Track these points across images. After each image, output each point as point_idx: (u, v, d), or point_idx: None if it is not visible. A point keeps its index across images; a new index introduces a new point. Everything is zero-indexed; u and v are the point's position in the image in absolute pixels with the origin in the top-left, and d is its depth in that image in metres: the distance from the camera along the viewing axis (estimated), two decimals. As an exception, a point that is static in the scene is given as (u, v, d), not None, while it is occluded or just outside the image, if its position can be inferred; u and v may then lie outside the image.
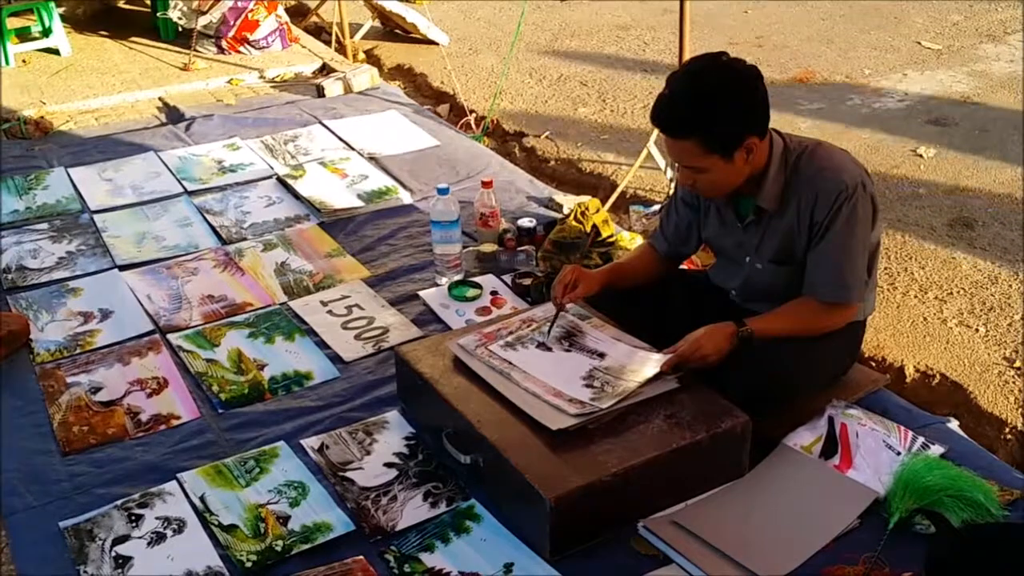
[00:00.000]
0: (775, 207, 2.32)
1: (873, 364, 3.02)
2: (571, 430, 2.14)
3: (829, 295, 2.31)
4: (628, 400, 2.21)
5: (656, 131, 4.02)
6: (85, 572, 2.08)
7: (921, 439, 2.31)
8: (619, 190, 4.00)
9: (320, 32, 6.47)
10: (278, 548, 2.12)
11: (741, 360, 2.28)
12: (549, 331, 2.45)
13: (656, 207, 3.89)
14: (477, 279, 3.17)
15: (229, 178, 4.05)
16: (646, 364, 2.31)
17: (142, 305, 3.11)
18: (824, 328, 2.34)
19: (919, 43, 6.06)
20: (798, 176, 2.29)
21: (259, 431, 2.53)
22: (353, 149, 4.31)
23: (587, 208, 3.34)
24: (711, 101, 2.17)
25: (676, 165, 2.37)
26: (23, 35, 5.85)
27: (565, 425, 2.14)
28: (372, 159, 4.20)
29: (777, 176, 2.30)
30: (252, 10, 5.69)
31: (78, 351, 2.89)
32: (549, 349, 2.41)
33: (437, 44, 6.32)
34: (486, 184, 3.35)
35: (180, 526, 2.20)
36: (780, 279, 2.38)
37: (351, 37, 6.09)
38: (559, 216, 3.49)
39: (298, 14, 6.78)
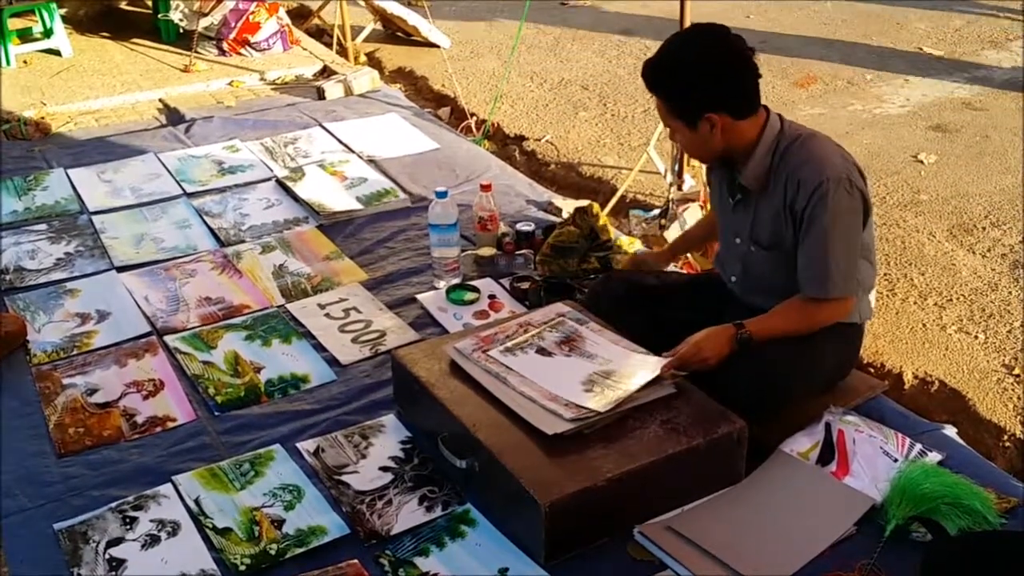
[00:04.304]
0: (756, 189, 2.34)
1: (872, 370, 3.02)
2: (567, 435, 2.13)
3: (811, 289, 2.30)
4: (625, 405, 2.21)
5: (655, 136, 4.04)
6: (79, 574, 2.08)
7: (919, 446, 2.30)
8: (618, 194, 4.00)
9: (321, 34, 6.47)
10: (272, 552, 2.11)
11: (739, 364, 2.27)
12: None
13: (655, 212, 3.89)
14: (475, 283, 3.17)
15: (228, 180, 4.05)
16: (645, 368, 2.30)
17: (139, 307, 3.11)
18: (816, 323, 2.33)
19: (921, 49, 6.06)
20: (785, 163, 2.30)
21: (255, 434, 2.52)
22: (353, 152, 4.30)
23: (586, 212, 3.33)
24: (678, 67, 2.28)
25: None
26: (24, 36, 5.86)
27: (561, 430, 2.13)
28: (372, 162, 4.20)
29: (763, 158, 2.31)
30: (253, 12, 5.69)
31: (75, 352, 2.88)
32: (550, 354, 2.39)
33: (438, 47, 6.32)
34: (485, 187, 3.34)
35: (174, 529, 2.20)
36: (773, 267, 2.38)
37: (352, 40, 6.09)
38: (558, 220, 3.49)
39: (299, 16, 6.78)
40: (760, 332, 2.30)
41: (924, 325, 3.26)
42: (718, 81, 2.25)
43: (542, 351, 2.40)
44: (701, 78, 2.25)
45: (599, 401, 2.20)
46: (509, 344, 2.44)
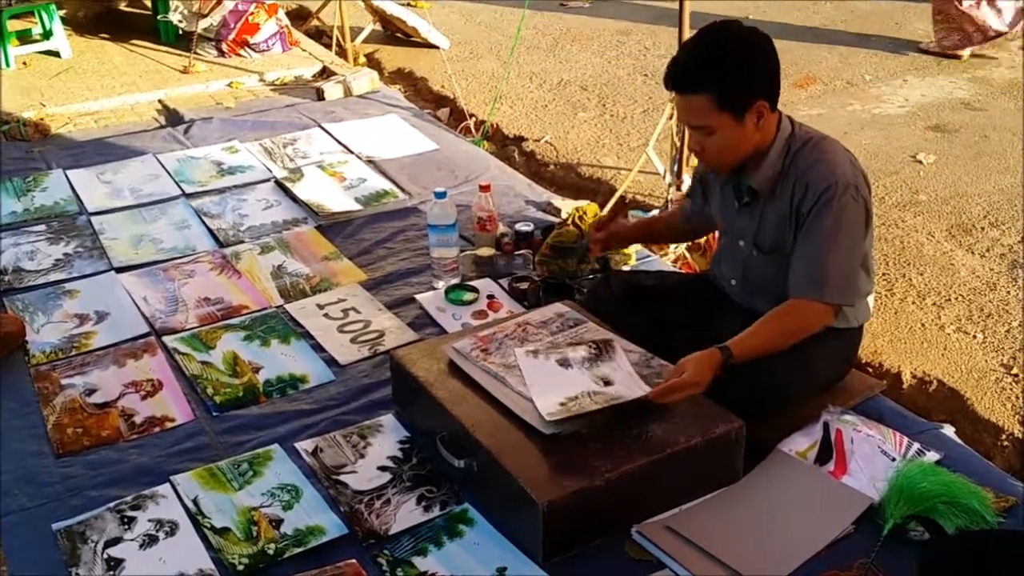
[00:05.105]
0: (767, 192, 2.32)
1: (870, 370, 3.02)
2: (564, 435, 2.13)
3: (804, 291, 2.26)
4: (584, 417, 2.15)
5: (654, 136, 4.04)
6: (77, 574, 2.08)
7: (916, 445, 2.29)
8: (617, 195, 4.00)
9: (321, 35, 6.48)
10: (270, 551, 2.11)
11: (737, 367, 2.26)
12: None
13: (654, 212, 3.89)
14: (474, 283, 3.17)
15: (227, 181, 4.05)
16: (632, 392, 2.22)
17: (138, 307, 3.11)
18: (802, 330, 2.26)
19: (920, 49, 6.06)
20: (795, 166, 2.28)
21: (253, 434, 2.52)
22: (352, 152, 4.31)
23: (585, 213, 3.34)
24: (725, 55, 2.19)
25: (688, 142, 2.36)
26: (24, 37, 5.86)
27: (559, 430, 2.13)
28: (371, 162, 4.20)
29: (775, 160, 2.29)
30: (253, 13, 5.69)
31: (73, 353, 2.88)
32: (569, 366, 2.33)
33: (438, 48, 6.32)
34: (484, 188, 3.35)
35: (172, 528, 2.20)
36: (775, 271, 2.36)
37: (352, 40, 6.09)
38: (557, 220, 3.49)
39: (299, 17, 6.79)
40: (746, 353, 2.21)
41: (923, 325, 3.26)
42: (767, 63, 2.23)
43: (564, 362, 2.33)
44: (753, 61, 2.21)
45: (561, 417, 2.13)
46: (538, 346, 2.40)
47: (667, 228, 2.90)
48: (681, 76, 2.23)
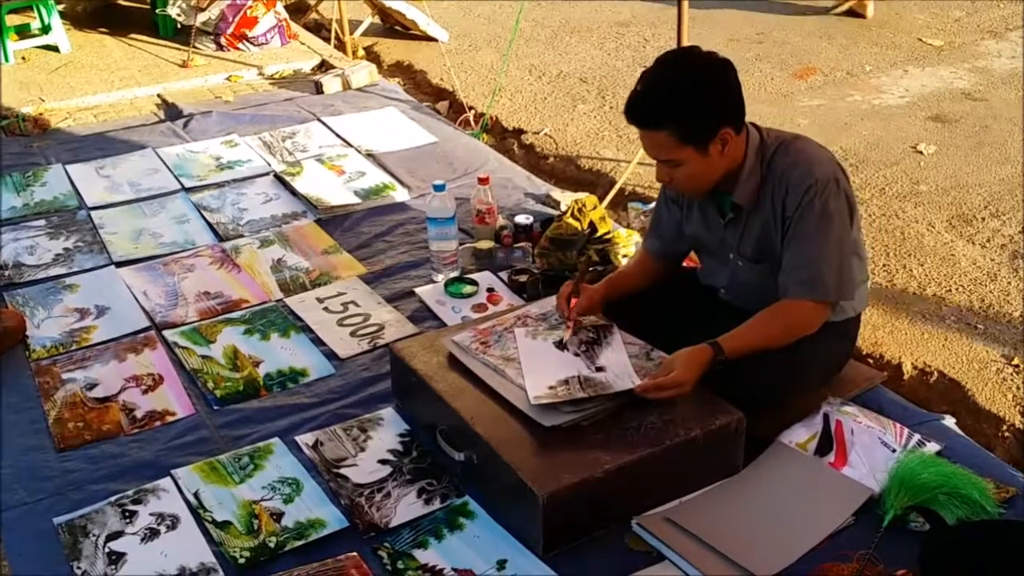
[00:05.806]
0: (751, 204, 2.31)
1: (871, 361, 3.02)
2: (564, 427, 2.13)
3: (799, 291, 2.25)
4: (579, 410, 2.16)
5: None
6: (78, 568, 2.08)
7: (917, 436, 2.29)
8: (617, 187, 3.99)
9: (319, 29, 6.46)
10: (271, 544, 2.12)
11: (735, 361, 2.25)
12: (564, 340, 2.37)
13: (654, 204, 3.88)
14: (473, 276, 3.17)
15: (227, 175, 4.04)
16: (621, 383, 2.22)
17: (138, 302, 3.11)
18: (798, 329, 2.27)
19: (920, 39, 6.04)
20: (772, 171, 2.27)
21: (254, 428, 2.53)
22: (351, 146, 4.30)
23: (584, 205, 3.33)
24: (683, 90, 2.16)
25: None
26: (23, 32, 5.85)
27: (558, 422, 2.13)
28: (370, 156, 4.19)
29: (752, 172, 2.28)
30: (251, 7, 5.68)
31: (74, 347, 2.88)
32: (565, 348, 2.35)
33: (437, 41, 6.31)
34: (483, 180, 3.34)
35: (174, 522, 2.20)
36: (765, 278, 2.35)
37: (350, 34, 6.08)
38: (556, 213, 3.49)
39: (297, 11, 6.77)
40: (736, 351, 2.22)
41: (923, 316, 3.26)
42: (727, 90, 2.21)
43: (560, 345, 2.36)
44: (712, 91, 2.18)
45: (553, 407, 2.15)
46: (540, 327, 2.41)
47: (640, 275, 2.64)
48: (640, 112, 2.21)
